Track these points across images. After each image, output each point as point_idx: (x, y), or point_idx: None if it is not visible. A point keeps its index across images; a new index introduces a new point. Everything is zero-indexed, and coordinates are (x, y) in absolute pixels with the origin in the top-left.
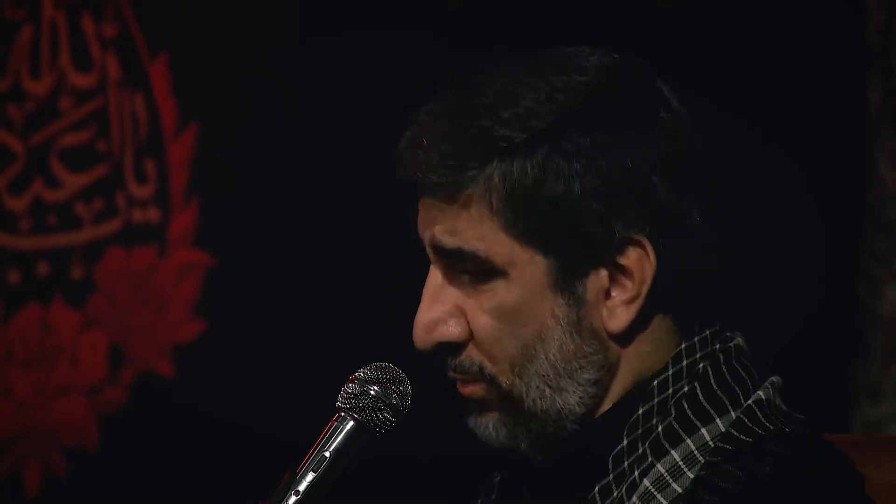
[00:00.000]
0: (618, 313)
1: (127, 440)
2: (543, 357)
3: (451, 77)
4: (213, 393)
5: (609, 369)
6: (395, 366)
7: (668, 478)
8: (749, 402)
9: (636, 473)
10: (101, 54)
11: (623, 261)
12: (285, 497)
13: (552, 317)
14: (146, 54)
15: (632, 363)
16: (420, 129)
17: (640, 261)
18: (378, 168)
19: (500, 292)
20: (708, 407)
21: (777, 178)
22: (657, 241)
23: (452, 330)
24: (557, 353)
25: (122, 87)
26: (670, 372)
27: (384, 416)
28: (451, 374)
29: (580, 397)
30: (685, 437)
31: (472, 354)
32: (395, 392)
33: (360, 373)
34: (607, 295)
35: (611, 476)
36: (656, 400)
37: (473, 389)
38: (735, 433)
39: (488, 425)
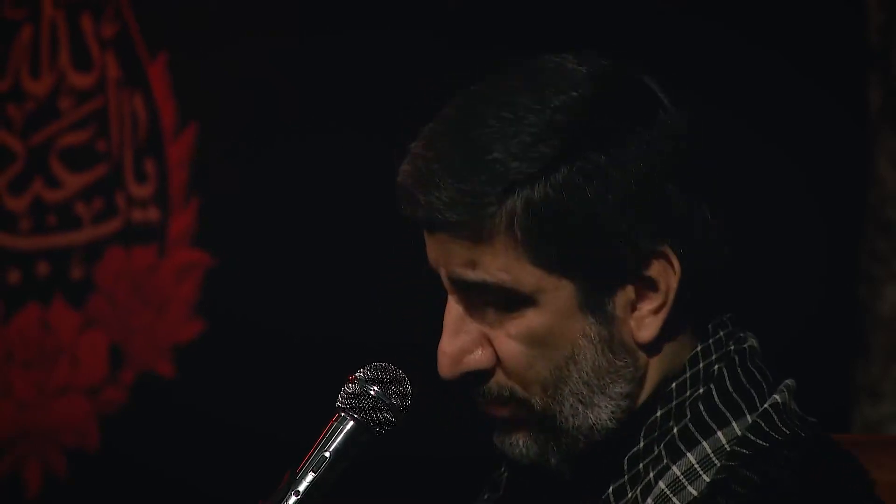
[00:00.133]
0: (646, 324)
1: (127, 440)
2: (577, 377)
3: (444, 106)
4: (213, 393)
5: (639, 380)
6: (395, 366)
7: (684, 480)
8: (765, 405)
9: (651, 475)
10: (100, 54)
11: (649, 272)
12: (285, 497)
13: (583, 337)
14: (146, 54)
15: (657, 369)
16: (425, 164)
17: (665, 270)
18: (378, 168)
19: (529, 319)
20: (724, 409)
21: (777, 178)
22: (678, 248)
23: (480, 358)
24: (591, 371)
25: (121, 86)
26: (688, 375)
27: (384, 416)
28: (479, 400)
29: (612, 412)
30: (701, 440)
31: (500, 380)
32: (395, 392)
33: (360, 373)
34: (635, 307)
35: (626, 477)
36: (674, 403)
37: (503, 412)
38: (752, 437)
39: (518, 443)
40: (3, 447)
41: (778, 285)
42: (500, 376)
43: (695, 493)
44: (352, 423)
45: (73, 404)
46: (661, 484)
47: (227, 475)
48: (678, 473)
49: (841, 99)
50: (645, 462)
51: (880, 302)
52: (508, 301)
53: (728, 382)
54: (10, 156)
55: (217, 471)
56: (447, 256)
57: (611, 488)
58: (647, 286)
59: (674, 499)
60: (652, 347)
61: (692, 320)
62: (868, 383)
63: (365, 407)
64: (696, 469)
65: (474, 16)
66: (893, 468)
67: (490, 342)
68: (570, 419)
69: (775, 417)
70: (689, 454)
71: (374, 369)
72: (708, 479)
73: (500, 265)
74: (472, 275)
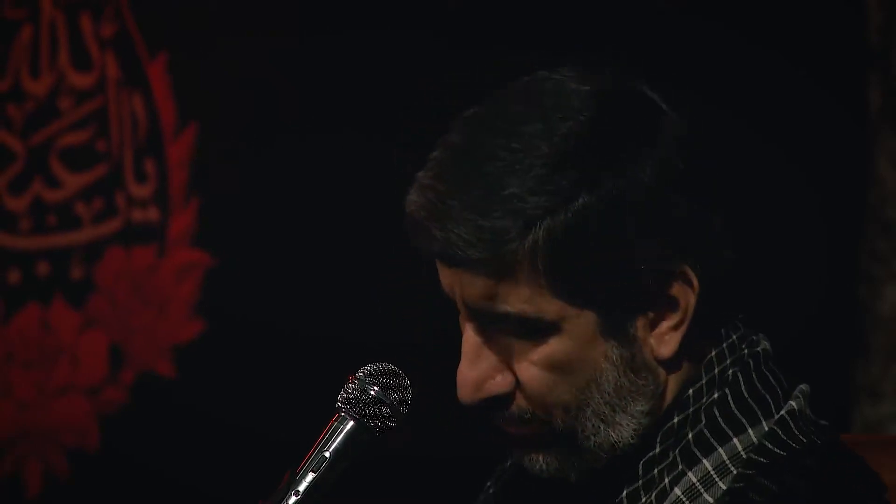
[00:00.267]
0: (666, 340)
1: (127, 440)
2: (599, 398)
3: (450, 132)
4: (213, 393)
5: (660, 396)
6: (395, 366)
7: (700, 487)
8: (782, 412)
9: (667, 481)
10: (100, 54)
11: (669, 292)
12: (285, 497)
13: (605, 359)
14: (145, 54)
15: (676, 381)
16: (439, 199)
17: (684, 288)
18: (378, 168)
19: (551, 346)
20: (739, 415)
21: (777, 179)
22: (696, 264)
23: (501, 383)
24: (613, 391)
25: (121, 86)
26: (704, 381)
27: (384, 417)
28: (498, 421)
29: (634, 429)
30: (717, 446)
31: (521, 404)
32: (395, 392)
33: (360, 373)
34: (655, 326)
35: (640, 482)
36: (691, 409)
37: (523, 431)
38: (769, 446)
39: (538, 460)
40: (3, 447)
41: (778, 285)
42: (520, 400)
43: (711, 500)
44: (352, 423)
45: (73, 404)
46: (677, 490)
47: (227, 475)
48: (694, 480)
49: (841, 99)
50: (660, 467)
51: (880, 302)
52: (530, 329)
53: (743, 387)
54: (10, 156)
55: (217, 471)
56: (464, 288)
57: (624, 492)
58: (668, 305)
59: None
60: (671, 362)
61: (707, 327)
62: (868, 383)
63: (365, 407)
64: (712, 476)
65: (474, 16)
66: (893, 468)
67: (510, 367)
68: (592, 438)
69: (792, 425)
70: (704, 460)
71: (374, 369)
72: (724, 487)
73: (522, 297)
74: (492, 307)
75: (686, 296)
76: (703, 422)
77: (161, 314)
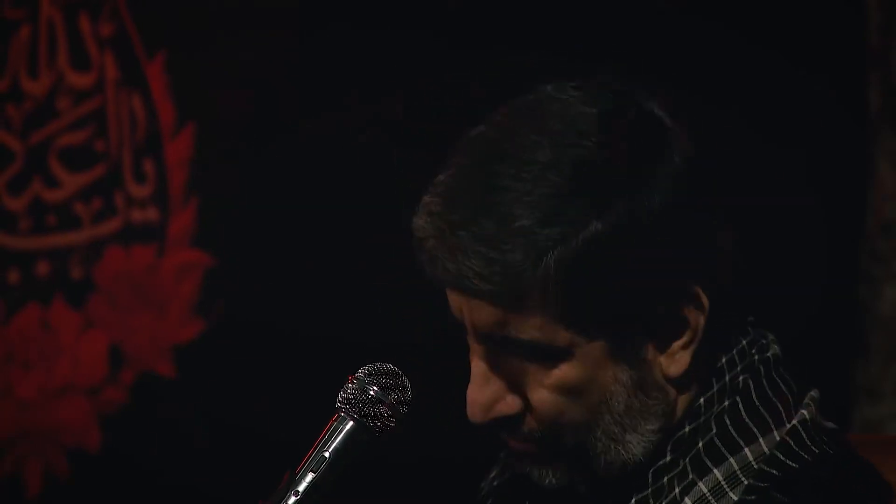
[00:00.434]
0: (677, 359)
1: (127, 440)
2: (609, 418)
3: (455, 153)
4: (213, 393)
5: (671, 413)
6: (394, 366)
7: (711, 497)
8: (794, 422)
9: (677, 490)
10: (98, 54)
11: (680, 314)
12: (285, 497)
13: (616, 382)
14: (143, 54)
15: (687, 395)
16: (449, 229)
17: (694, 309)
18: (378, 168)
19: (562, 370)
20: (750, 424)
21: (777, 179)
22: (706, 284)
23: (510, 405)
24: (623, 412)
25: (119, 86)
26: (715, 389)
27: (384, 417)
28: (507, 439)
29: (644, 447)
30: (728, 456)
31: (531, 424)
32: (394, 392)
33: (360, 373)
34: (665, 346)
35: (649, 490)
36: (702, 419)
37: (532, 448)
38: (781, 457)
39: (547, 474)
40: (3, 447)
41: (778, 285)
42: (530, 421)
43: None
44: (351, 423)
45: (73, 404)
46: (688, 500)
47: (227, 475)
48: (705, 490)
49: (841, 99)
50: (670, 476)
51: (880, 302)
52: (541, 355)
53: (754, 395)
54: (9, 156)
55: (217, 471)
56: (474, 314)
57: (633, 500)
58: (678, 326)
59: None
60: (682, 379)
61: (717, 339)
62: (868, 383)
63: (365, 407)
64: (722, 486)
65: (474, 16)
66: (893, 468)
67: (520, 389)
68: (602, 456)
69: (804, 435)
70: (715, 470)
71: (373, 369)
72: (735, 498)
73: (534, 325)
74: (503, 333)
75: (696, 316)
76: (714, 430)
77: (161, 314)
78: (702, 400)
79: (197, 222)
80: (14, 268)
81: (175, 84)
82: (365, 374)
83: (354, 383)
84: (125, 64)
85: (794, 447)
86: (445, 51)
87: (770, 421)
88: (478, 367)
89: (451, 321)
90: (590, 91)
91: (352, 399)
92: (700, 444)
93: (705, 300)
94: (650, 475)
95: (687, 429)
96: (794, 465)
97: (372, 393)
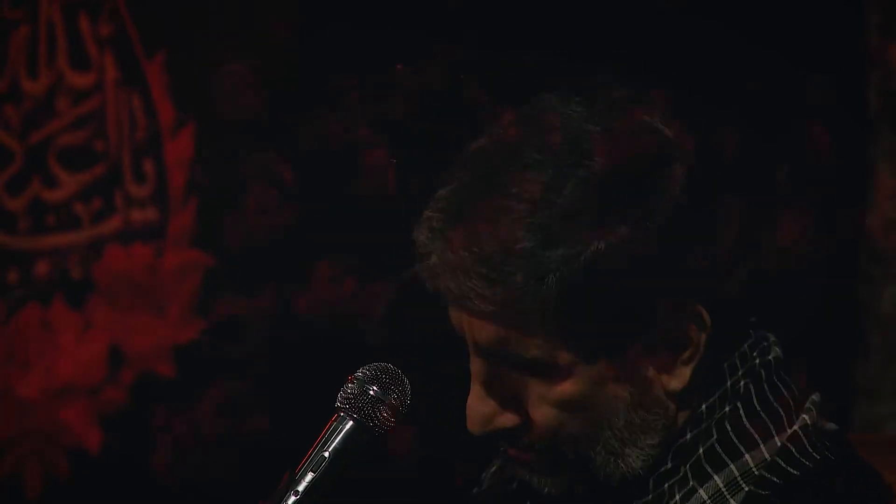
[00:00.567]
0: (677, 374)
1: (127, 440)
2: (609, 433)
3: (456, 167)
4: (212, 393)
5: (671, 426)
6: (394, 366)
7: None
8: (795, 427)
9: (677, 497)
10: (97, 54)
11: (682, 332)
12: (285, 497)
13: (617, 399)
14: (143, 53)
15: (687, 407)
16: (452, 249)
17: (696, 327)
18: (378, 168)
19: (563, 387)
20: (751, 430)
21: (777, 179)
22: (708, 301)
23: (510, 418)
24: (623, 427)
25: (119, 86)
26: (716, 396)
27: (383, 417)
28: (507, 449)
29: (644, 460)
30: (728, 462)
31: (532, 437)
32: (394, 392)
33: (360, 373)
34: (667, 363)
35: (650, 496)
36: (704, 425)
37: (531, 458)
38: (782, 464)
39: (546, 483)
40: (3, 447)
41: (778, 285)
42: (530, 434)
43: None
44: (351, 423)
45: (72, 404)
46: None
47: (227, 475)
48: (705, 497)
49: (841, 99)
50: (670, 482)
51: (880, 302)
52: (541, 371)
53: (755, 399)
54: (9, 156)
55: (217, 471)
56: (475, 331)
57: None
58: (680, 343)
59: None
60: (683, 393)
61: (717, 349)
62: (867, 383)
63: (364, 407)
64: (723, 493)
65: (474, 16)
66: (893, 468)
67: (520, 403)
68: (602, 469)
69: (805, 441)
70: (716, 477)
71: (373, 369)
72: None
73: (535, 344)
74: (504, 350)
75: (698, 333)
76: (715, 436)
77: (161, 314)
78: (704, 406)
79: (197, 222)
80: (14, 268)
81: (175, 84)
82: (364, 373)
83: (354, 383)
84: (125, 64)
85: (796, 453)
86: (445, 51)
87: (771, 426)
88: (477, 379)
89: (451, 327)
90: (594, 107)
91: (351, 399)
92: (701, 451)
93: (707, 318)
94: (651, 482)
95: (688, 436)
96: (795, 472)
97: (371, 393)
